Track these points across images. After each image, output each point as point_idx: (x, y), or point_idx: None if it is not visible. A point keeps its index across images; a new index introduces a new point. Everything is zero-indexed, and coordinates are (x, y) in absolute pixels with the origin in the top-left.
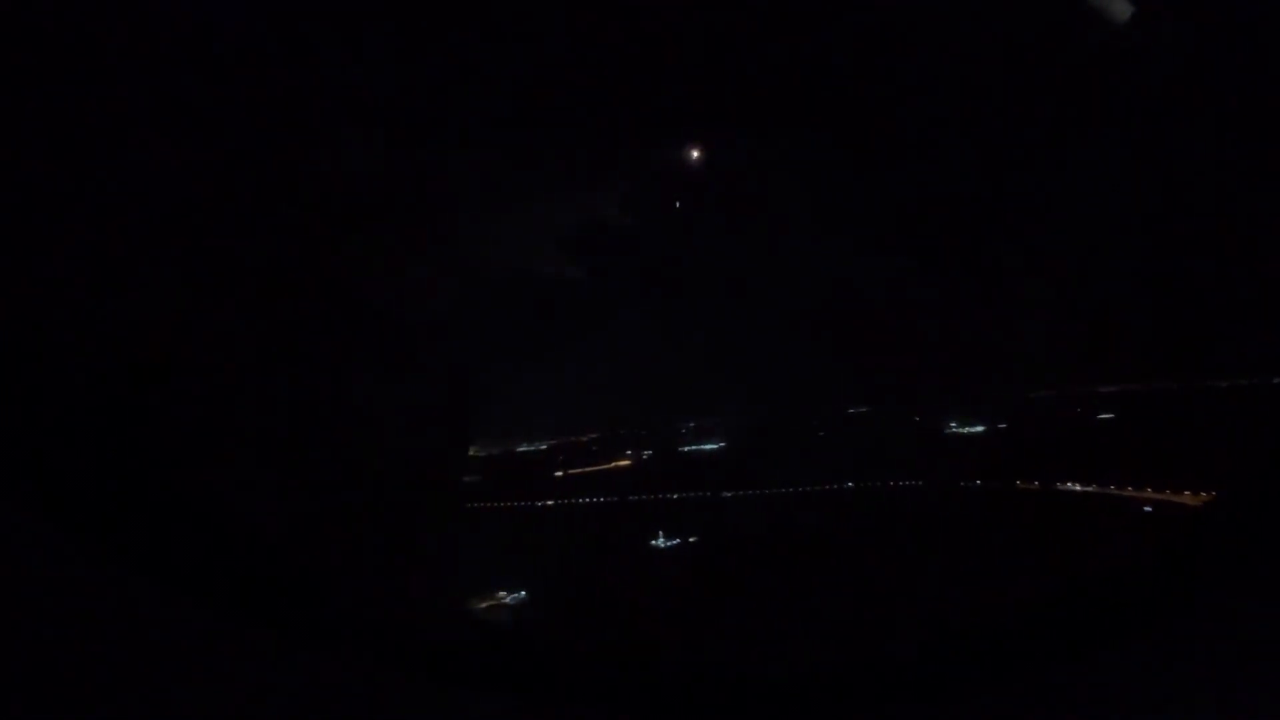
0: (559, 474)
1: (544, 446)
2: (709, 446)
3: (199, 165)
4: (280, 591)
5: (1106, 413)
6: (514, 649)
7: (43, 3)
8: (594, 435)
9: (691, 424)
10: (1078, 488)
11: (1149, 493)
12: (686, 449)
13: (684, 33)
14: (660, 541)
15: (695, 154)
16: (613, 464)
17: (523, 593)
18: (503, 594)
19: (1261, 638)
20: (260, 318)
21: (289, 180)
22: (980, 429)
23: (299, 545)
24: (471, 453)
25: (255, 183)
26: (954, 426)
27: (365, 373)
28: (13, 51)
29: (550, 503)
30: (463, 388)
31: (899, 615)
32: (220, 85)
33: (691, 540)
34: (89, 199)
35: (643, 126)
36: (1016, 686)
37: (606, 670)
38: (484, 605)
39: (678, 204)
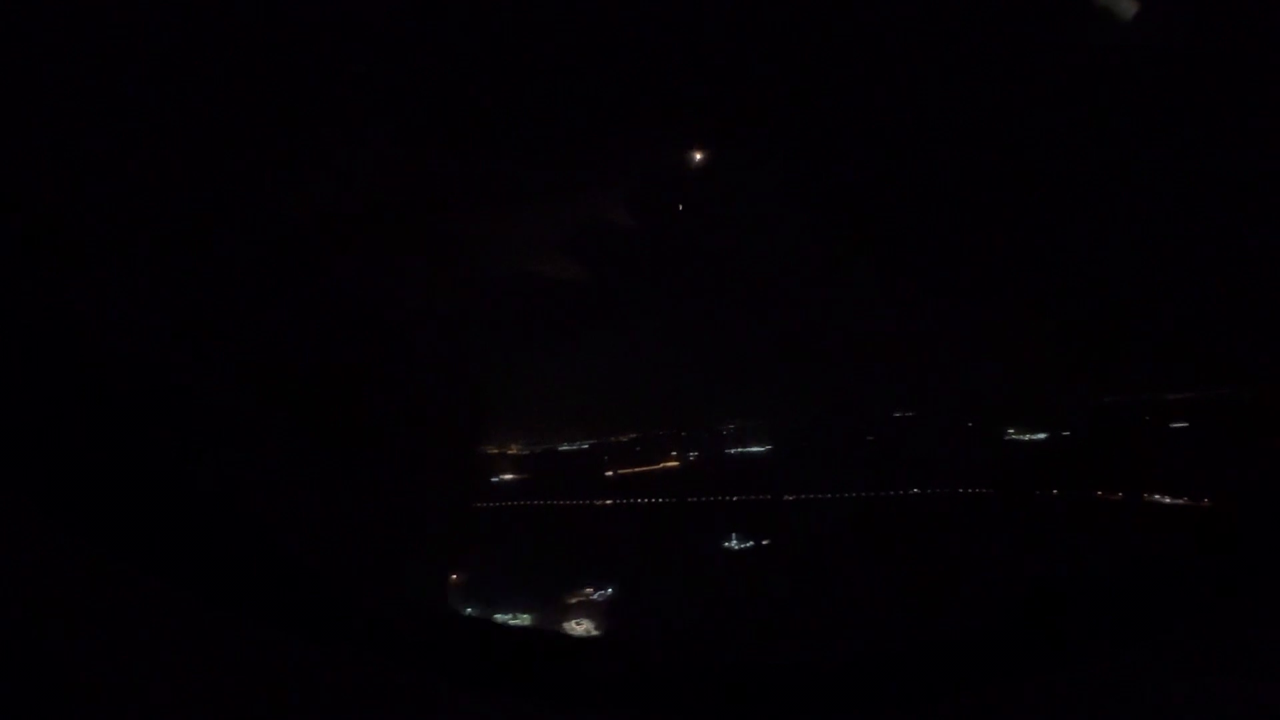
0: (609, 474)
1: (585, 446)
2: (755, 449)
3: (204, 168)
4: (284, 590)
5: (1179, 421)
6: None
7: (44, 6)
8: (633, 435)
9: (731, 426)
10: (1167, 500)
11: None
12: (733, 451)
13: (688, 35)
14: (733, 543)
15: (699, 155)
16: (660, 465)
17: (609, 589)
18: (589, 590)
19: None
20: (265, 318)
21: (297, 180)
22: (1042, 436)
23: (303, 545)
24: (513, 451)
25: (264, 184)
26: (1012, 433)
27: (369, 374)
28: (16, 55)
29: (611, 502)
30: (471, 389)
31: (899, 619)
32: (227, 92)
33: (764, 543)
34: (98, 202)
35: (646, 128)
36: (1025, 686)
37: (623, 667)
38: (573, 601)
39: (680, 206)
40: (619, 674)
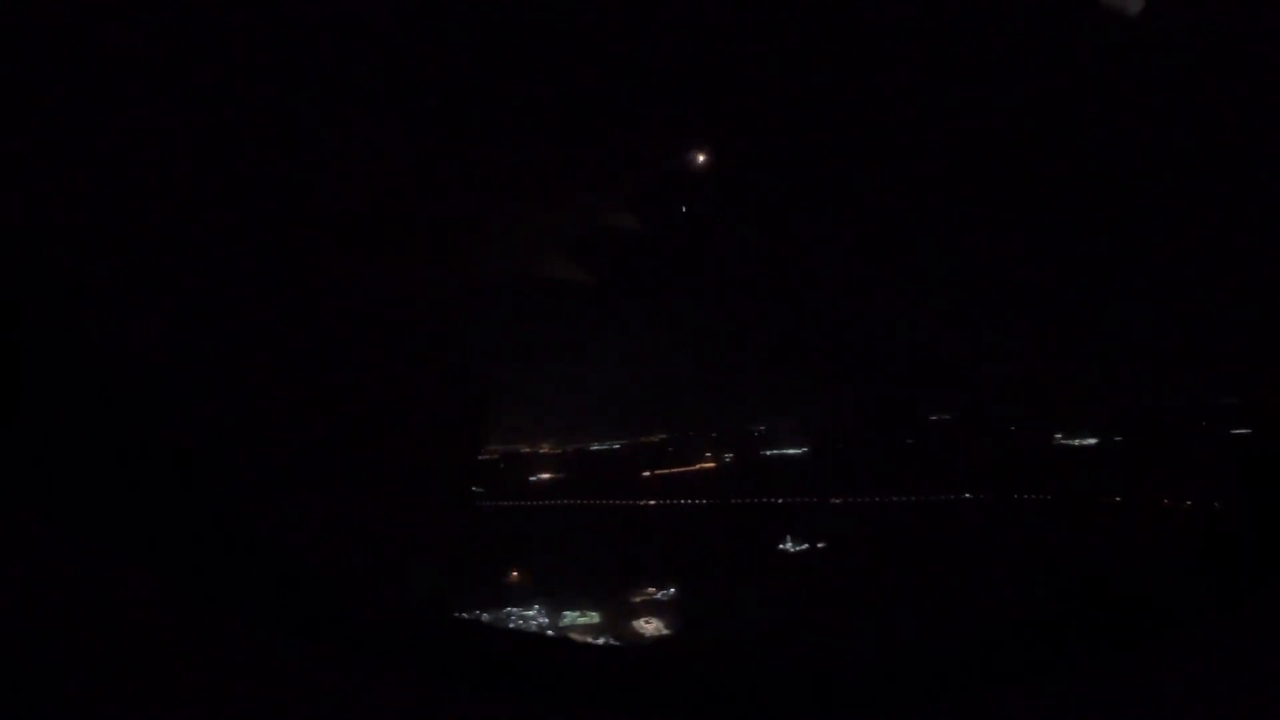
0: (647, 474)
1: (617, 446)
2: (791, 451)
3: (204, 168)
4: (283, 590)
5: (1240, 427)
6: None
7: (46, 8)
8: (663, 436)
9: (761, 427)
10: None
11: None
12: (768, 453)
13: (691, 37)
14: (789, 545)
15: (701, 158)
16: (697, 466)
17: (672, 589)
18: (652, 589)
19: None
20: (266, 319)
21: (300, 180)
22: (1092, 441)
23: (303, 545)
24: (544, 450)
25: (266, 184)
26: (1060, 438)
27: (370, 374)
28: (16, 55)
29: (656, 502)
30: (472, 390)
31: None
32: (228, 91)
33: (820, 545)
34: (99, 201)
35: (649, 130)
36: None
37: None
38: (637, 600)
39: (684, 208)
40: (618, 675)
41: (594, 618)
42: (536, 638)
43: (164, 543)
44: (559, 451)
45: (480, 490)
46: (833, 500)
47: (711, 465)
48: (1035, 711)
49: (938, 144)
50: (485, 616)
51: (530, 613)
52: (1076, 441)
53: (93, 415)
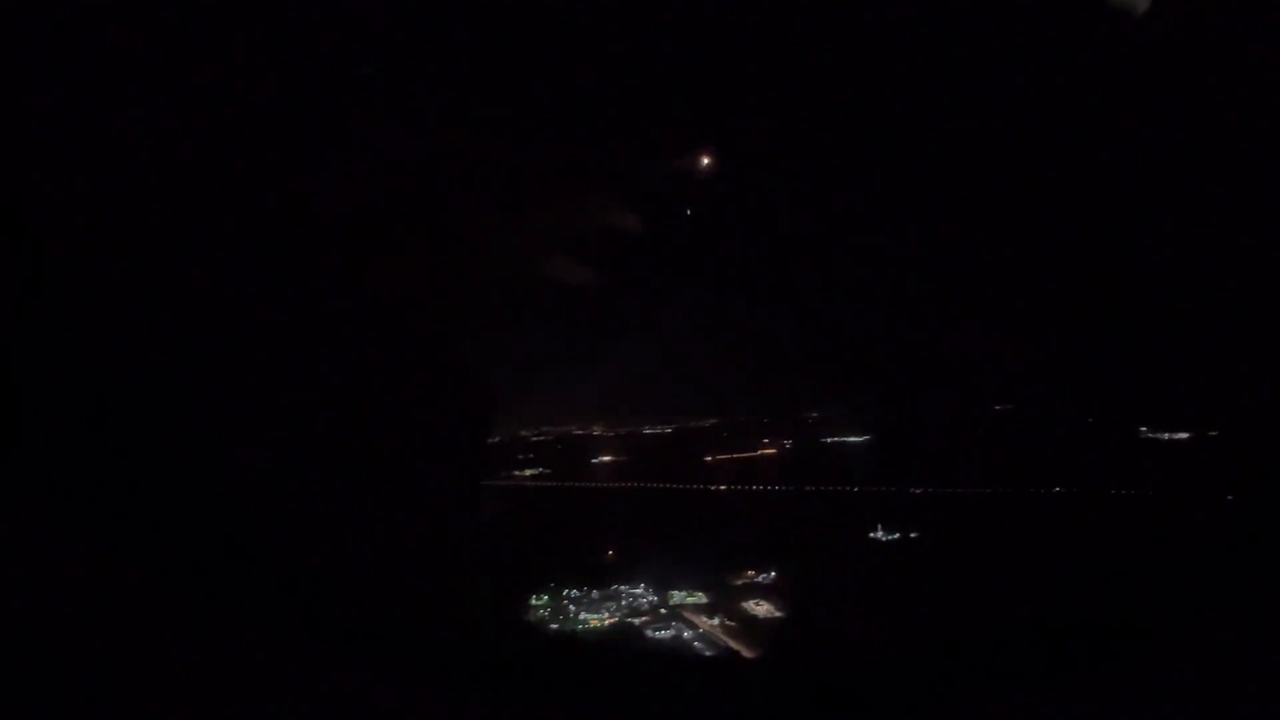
0: (709, 459)
1: (669, 430)
2: (852, 439)
3: (208, 169)
4: (285, 591)
5: None
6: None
7: (45, 8)
8: (714, 421)
9: (814, 414)
10: None
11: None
12: (829, 440)
13: (695, 39)
14: (879, 534)
15: (706, 160)
16: (758, 451)
17: (773, 572)
18: (751, 572)
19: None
20: (268, 319)
21: (303, 181)
22: (1184, 436)
23: (304, 546)
24: (597, 433)
25: (269, 184)
26: (1145, 431)
27: (374, 374)
28: (18, 55)
29: (726, 488)
30: (478, 391)
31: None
32: (233, 92)
33: (913, 535)
34: (101, 202)
35: (655, 132)
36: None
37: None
38: (738, 583)
39: (688, 211)
40: (618, 676)
41: (701, 598)
42: (538, 638)
43: (164, 543)
44: (612, 434)
45: (548, 471)
46: (913, 490)
47: (772, 451)
48: (1035, 711)
49: (976, 138)
50: (595, 594)
51: (638, 590)
52: (1166, 436)
53: (93, 415)
